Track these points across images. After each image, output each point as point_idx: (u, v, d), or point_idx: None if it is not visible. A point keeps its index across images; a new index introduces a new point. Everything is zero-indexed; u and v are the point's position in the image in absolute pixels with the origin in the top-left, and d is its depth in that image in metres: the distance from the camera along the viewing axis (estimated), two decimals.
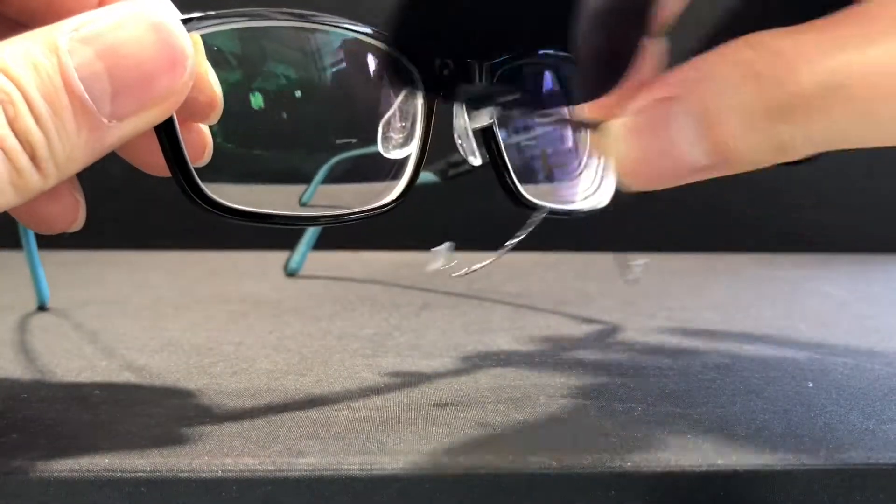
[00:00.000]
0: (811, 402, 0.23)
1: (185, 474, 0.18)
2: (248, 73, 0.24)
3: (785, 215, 0.65)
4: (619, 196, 0.30)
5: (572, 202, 0.30)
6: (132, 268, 0.50)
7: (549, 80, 0.20)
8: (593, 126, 0.20)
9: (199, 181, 0.21)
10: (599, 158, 0.29)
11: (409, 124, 0.25)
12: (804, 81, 0.16)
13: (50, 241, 0.30)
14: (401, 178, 0.24)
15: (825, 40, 0.16)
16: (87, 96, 0.17)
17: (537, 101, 0.20)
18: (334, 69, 0.25)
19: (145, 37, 0.17)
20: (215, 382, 0.24)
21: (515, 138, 0.27)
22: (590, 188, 0.31)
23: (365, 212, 0.24)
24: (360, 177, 0.26)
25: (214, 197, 0.21)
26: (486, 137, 0.25)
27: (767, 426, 0.21)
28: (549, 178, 0.30)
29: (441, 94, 0.20)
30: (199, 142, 0.23)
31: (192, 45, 0.18)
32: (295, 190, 0.26)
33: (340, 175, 0.26)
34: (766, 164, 0.18)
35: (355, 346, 0.29)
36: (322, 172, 0.26)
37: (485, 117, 0.23)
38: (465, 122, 0.25)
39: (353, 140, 0.26)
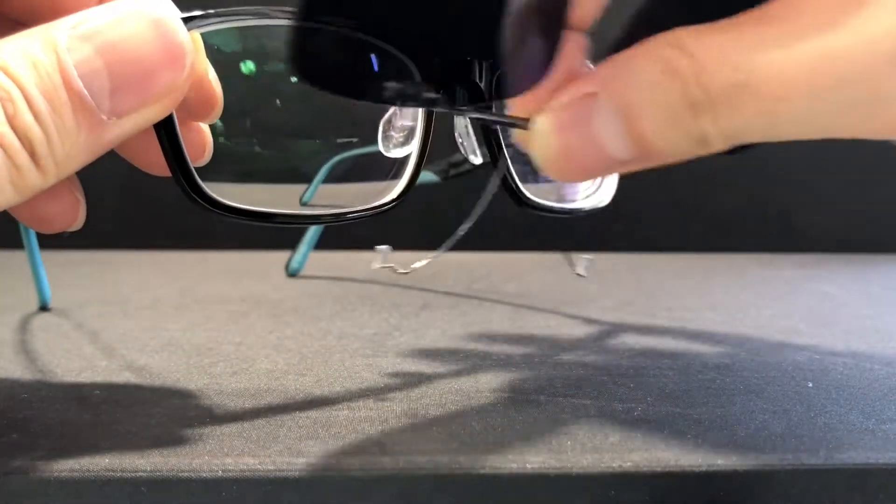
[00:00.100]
0: (811, 402, 0.23)
1: (186, 474, 0.18)
2: (249, 71, 0.24)
3: (785, 215, 0.65)
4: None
5: (573, 201, 0.30)
6: (132, 268, 0.50)
7: (475, 77, 0.20)
8: (520, 122, 0.20)
9: (199, 180, 0.21)
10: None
11: (409, 123, 0.25)
12: (713, 80, 0.16)
13: (50, 241, 0.30)
14: (401, 177, 0.24)
15: (735, 40, 0.16)
16: (86, 93, 0.17)
17: (465, 99, 0.20)
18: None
19: (145, 33, 0.17)
20: (215, 382, 0.24)
21: (509, 139, 0.27)
22: (591, 186, 0.31)
23: (367, 210, 0.24)
24: (360, 176, 0.26)
25: (215, 196, 0.21)
26: (486, 136, 0.25)
27: (767, 426, 0.21)
28: (553, 182, 0.30)
29: (369, 95, 0.19)
30: (199, 141, 0.23)
31: (191, 41, 0.18)
32: (295, 189, 0.26)
33: (341, 174, 0.26)
34: (688, 157, 0.18)
35: (355, 346, 0.29)
36: (323, 172, 0.26)
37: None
38: (465, 121, 0.25)
39: (354, 139, 0.26)
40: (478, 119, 0.21)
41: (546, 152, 0.19)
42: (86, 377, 0.24)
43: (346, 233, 0.28)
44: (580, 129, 0.18)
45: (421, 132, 0.24)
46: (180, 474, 0.18)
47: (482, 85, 0.20)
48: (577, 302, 0.39)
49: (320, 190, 0.26)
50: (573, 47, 0.19)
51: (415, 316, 0.35)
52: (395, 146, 0.25)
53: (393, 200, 0.24)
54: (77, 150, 0.17)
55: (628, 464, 0.18)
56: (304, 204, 0.26)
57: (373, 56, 0.19)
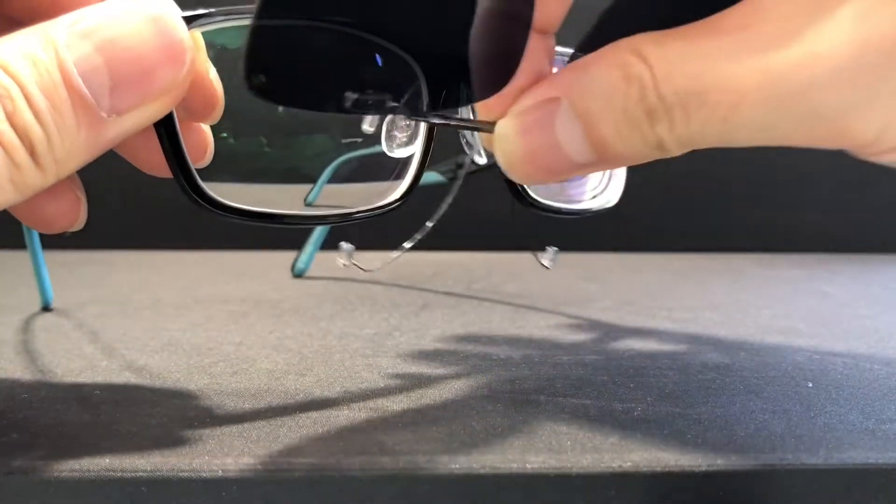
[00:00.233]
0: (811, 402, 0.23)
1: (186, 474, 0.18)
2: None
3: (785, 215, 0.65)
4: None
5: (580, 201, 0.30)
6: (133, 268, 0.50)
7: (439, 82, 0.20)
8: (484, 126, 0.20)
9: (200, 180, 0.20)
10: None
11: (413, 123, 0.25)
12: (670, 88, 0.17)
13: (51, 242, 0.30)
14: (405, 176, 0.24)
15: (691, 49, 0.17)
16: (86, 90, 0.17)
17: (429, 104, 0.21)
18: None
19: (144, 30, 0.17)
20: (215, 382, 0.24)
21: None
22: (598, 187, 0.31)
23: (372, 210, 0.24)
24: (365, 176, 0.26)
25: (216, 196, 0.21)
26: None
27: (767, 426, 0.21)
28: (560, 182, 0.30)
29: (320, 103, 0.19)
30: (200, 142, 0.23)
31: (190, 38, 0.18)
32: (298, 190, 0.26)
33: (345, 175, 0.26)
34: (647, 160, 0.19)
35: (355, 346, 0.29)
36: (328, 172, 0.26)
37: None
38: (481, 136, 0.25)
39: (358, 139, 0.26)
40: (443, 124, 0.21)
41: (510, 156, 0.19)
42: (86, 377, 0.24)
43: (346, 233, 0.28)
44: (543, 133, 0.19)
45: (424, 132, 0.24)
46: (180, 474, 0.18)
47: (446, 89, 0.20)
48: (577, 302, 0.39)
49: (325, 190, 0.26)
50: (538, 50, 0.20)
51: (415, 316, 0.35)
52: (399, 146, 0.25)
53: (397, 200, 0.24)
54: (77, 148, 0.17)
55: (628, 464, 0.18)
56: (308, 204, 0.26)
57: (334, 63, 0.19)
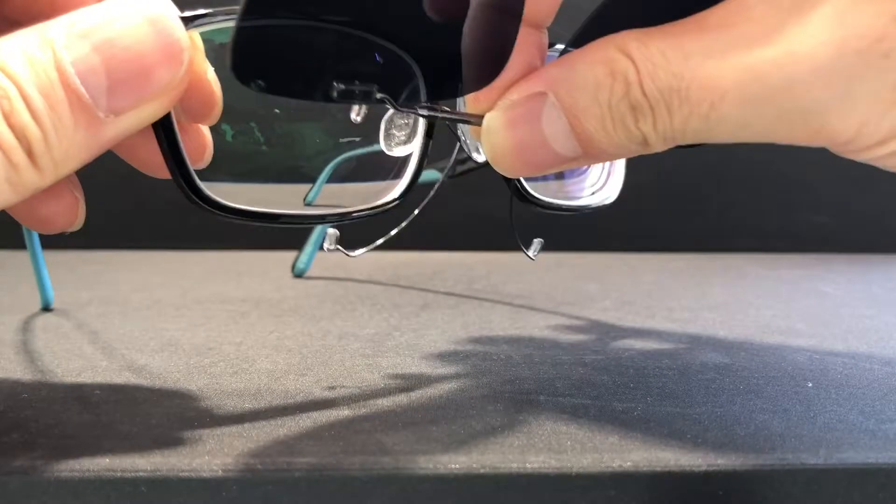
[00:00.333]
0: (810, 402, 0.23)
1: (186, 474, 0.18)
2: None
3: (785, 215, 0.65)
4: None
5: (579, 198, 0.30)
6: (132, 268, 0.50)
7: (428, 74, 0.20)
8: (472, 119, 0.20)
9: (198, 181, 0.20)
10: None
11: (411, 121, 0.25)
12: (654, 84, 0.17)
13: (51, 242, 0.30)
14: (404, 174, 0.24)
15: (676, 47, 0.17)
16: (83, 90, 0.17)
17: (419, 96, 0.21)
18: None
19: (141, 30, 0.17)
20: (215, 382, 0.24)
21: None
22: (596, 183, 0.31)
23: (372, 209, 0.24)
24: (364, 176, 0.26)
25: (214, 196, 0.21)
26: None
27: (767, 426, 0.21)
28: (557, 173, 0.30)
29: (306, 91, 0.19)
30: (199, 143, 0.23)
31: (188, 38, 0.18)
32: (297, 189, 0.26)
33: (345, 174, 0.26)
34: (633, 155, 0.19)
35: (355, 346, 0.29)
36: (327, 172, 0.26)
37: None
38: (469, 128, 0.25)
39: (357, 138, 0.26)
40: (431, 116, 0.22)
41: (496, 149, 0.20)
42: (86, 377, 0.24)
43: (346, 233, 0.28)
44: (529, 127, 0.19)
45: (423, 130, 0.24)
46: (180, 474, 0.18)
47: (436, 81, 0.20)
48: (577, 302, 0.39)
49: (324, 190, 0.26)
50: (529, 44, 0.20)
51: (415, 316, 0.35)
52: (398, 144, 0.25)
53: (395, 199, 0.24)
54: (75, 148, 0.17)
55: (628, 464, 0.18)
56: (308, 204, 0.26)
57: (324, 52, 0.19)
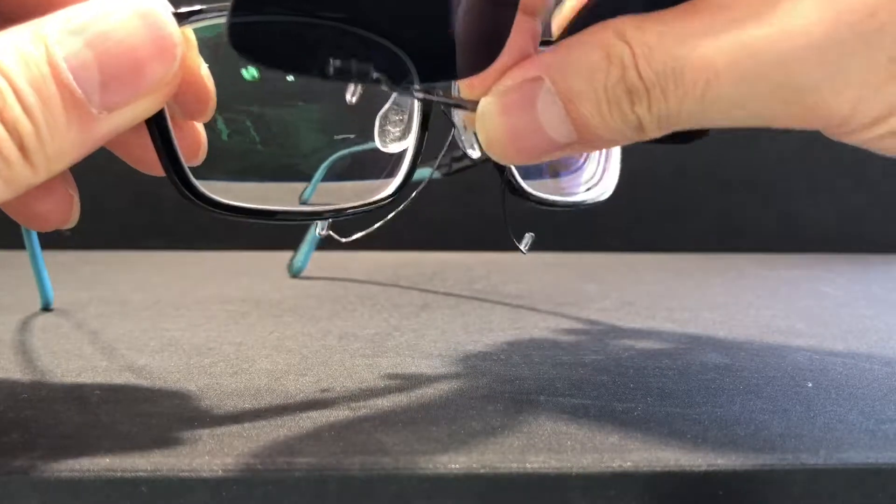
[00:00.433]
0: (810, 402, 0.23)
1: (186, 474, 0.18)
2: (244, 68, 0.24)
3: (785, 215, 0.65)
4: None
5: (574, 194, 0.30)
6: (132, 268, 0.50)
7: (423, 57, 0.20)
8: (467, 104, 0.20)
9: (192, 177, 0.20)
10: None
11: (405, 117, 0.25)
12: (649, 67, 0.17)
13: (51, 242, 0.30)
14: (399, 171, 0.24)
15: (671, 30, 0.17)
16: (76, 86, 0.17)
17: (413, 79, 0.21)
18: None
19: (134, 26, 0.17)
20: (215, 382, 0.24)
21: None
22: (592, 179, 0.31)
23: (366, 205, 0.24)
24: (360, 173, 0.26)
25: (208, 193, 0.21)
26: None
27: (767, 426, 0.21)
28: (552, 169, 0.30)
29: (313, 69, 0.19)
30: (194, 140, 0.23)
31: (181, 34, 0.18)
32: (292, 187, 0.26)
33: (340, 172, 0.26)
34: (628, 142, 0.19)
35: (355, 347, 0.29)
36: (322, 169, 0.26)
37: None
38: (462, 114, 0.25)
39: (352, 135, 0.26)
40: (425, 99, 0.21)
41: (491, 134, 0.20)
42: (86, 377, 0.24)
43: (346, 233, 0.28)
44: (524, 113, 0.19)
45: (417, 127, 0.24)
46: (180, 474, 0.18)
47: (430, 65, 0.20)
48: (577, 302, 0.39)
49: (320, 188, 0.26)
50: (524, 31, 0.20)
51: (415, 316, 0.35)
52: (392, 141, 0.25)
53: (390, 195, 0.24)
54: (68, 144, 0.17)
55: (628, 464, 0.18)
56: (304, 202, 0.26)
57: (320, 32, 0.19)
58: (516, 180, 0.26)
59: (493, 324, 0.34)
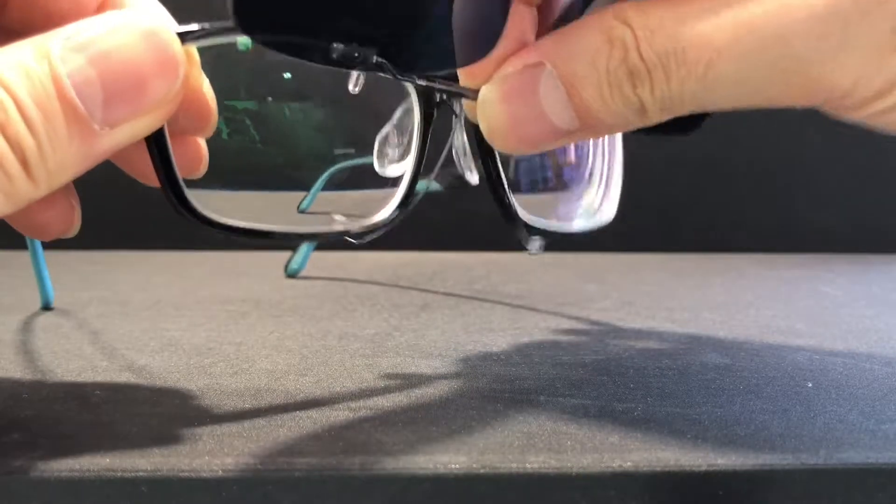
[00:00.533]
0: (810, 402, 0.23)
1: (186, 474, 0.18)
2: (245, 85, 0.24)
3: (785, 215, 0.65)
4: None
5: (571, 220, 0.30)
6: (132, 268, 0.50)
7: (422, 45, 0.20)
8: (468, 92, 0.20)
9: (189, 195, 0.21)
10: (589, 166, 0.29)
11: (405, 140, 0.25)
12: (651, 49, 0.17)
13: (51, 242, 0.30)
14: (400, 183, 0.24)
15: (672, 12, 0.17)
16: (79, 102, 0.17)
17: (413, 66, 0.21)
18: (330, 81, 0.25)
19: (137, 44, 0.17)
20: (215, 382, 0.24)
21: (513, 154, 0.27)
22: (591, 206, 0.31)
23: (367, 228, 0.24)
24: (359, 184, 0.26)
25: (204, 212, 0.21)
26: (483, 155, 0.25)
27: (767, 426, 0.21)
28: (552, 198, 0.30)
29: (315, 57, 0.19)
30: (195, 154, 0.23)
31: (183, 53, 0.18)
32: (290, 197, 0.26)
33: (339, 182, 0.26)
34: (631, 128, 0.19)
35: (355, 347, 0.29)
36: (321, 181, 0.26)
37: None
38: (464, 139, 0.26)
39: (352, 150, 0.26)
40: (426, 86, 0.21)
41: (492, 122, 0.19)
42: (86, 377, 0.24)
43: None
44: (526, 99, 0.19)
45: (416, 149, 0.24)
46: (180, 474, 0.18)
47: (430, 53, 0.20)
48: (577, 302, 0.39)
49: (319, 198, 0.26)
50: (522, 20, 0.20)
51: (415, 316, 0.35)
52: (391, 163, 0.25)
53: (390, 217, 0.24)
54: (69, 160, 0.17)
55: (628, 464, 0.18)
56: (301, 211, 0.26)
57: (321, 18, 0.19)
58: (512, 207, 0.26)
59: (493, 324, 0.34)
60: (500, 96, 0.19)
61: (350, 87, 0.23)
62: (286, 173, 0.26)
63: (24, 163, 0.16)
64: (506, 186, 0.25)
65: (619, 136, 0.31)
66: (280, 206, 0.26)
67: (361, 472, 0.18)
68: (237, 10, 0.18)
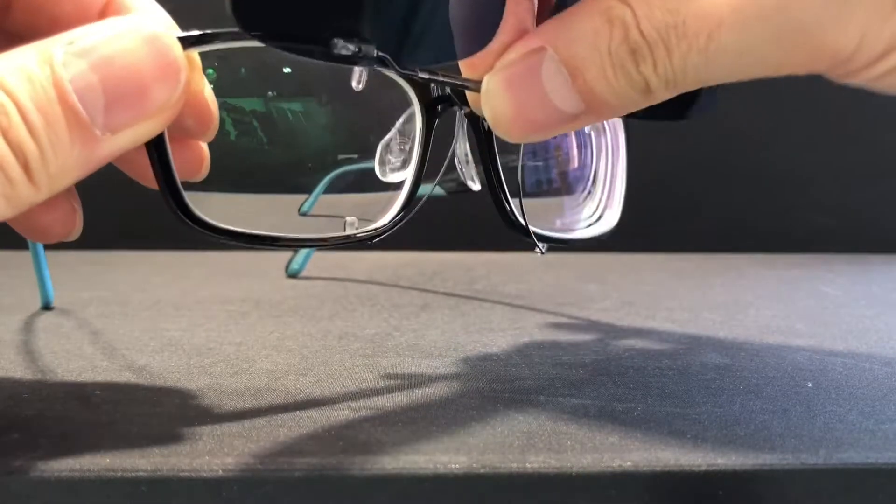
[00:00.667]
0: (810, 402, 0.23)
1: (186, 474, 0.18)
2: (247, 90, 0.24)
3: (785, 215, 0.65)
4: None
5: (574, 228, 0.30)
6: (132, 268, 0.50)
7: (421, 39, 0.20)
8: (470, 84, 0.20)
9: (188, 201, 0.21)
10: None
11: (407, 147, 0.25)
12: (651, 24, 0.17)
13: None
14: (402, 187, 0.24)
15: None
16: (80, 108, 0.17)
17: (413, 60, 0.21)
18: (334, 86, 0.25)
19: (139, 50, 0.18)
20: (216, 382, 0.24)
21: (516, 161, 0.27)
22: (593, 216, 0.31)
23: (369, 233, 0.24)
24: (361, 186, 0.26)
25: (203, 217, 0.21)
26: (485, 164, 0.25)
27: (767, 426, 0.21)
28: (555, 206, 0.30)
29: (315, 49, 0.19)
30: (197, 157, 0.23)
31: (185, 59, 0.18)
32: (292, 199, 0.26)
33: (340, 185, 0.26)
34: (636, 107, 0.19)
35: (356, 347, 0.29)
36: (323, 184, 0.26)
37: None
38: (466, 148, 0.26)
39: (354, 155, 0.26)
40: (427, 86, 0.21)
41: (497, 110, 0.19)
42: (86, 377, 0.24)
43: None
44: (529, 85, 0.19)
45: (418, 156, 0.24)
46: (180, 474, 0.18)
47: (431, 46, 0.20)
48: (577, 302, 0.39)
49: (320, 200, 0.26)
50: (519, 9, 0.20)
51: (415, 316, 0.35)
52: (392, 170, 0.25)
53: (392, 221, 0.24)
54: (71, 164, 0.17)
55: (628, 464, 0.18)
56: (303, 214, 0.26)
57: (321, 14, 0.19)
58: (515, 216, 0.26)
59: (493, 324, 0.34)
60: (504, 84, 0.19)
61: (353, 84, 0.23)
62: (288, 176, 0.26)
63: (26, 167, 0.17)
64: (507, 195, 0.25)
65: (622, 145, 0.31)
66: (281, 209, 0.26)
67: (361, 472, 0.18)
68: (237, 8, 0.18)
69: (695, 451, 0.19)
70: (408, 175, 0.24)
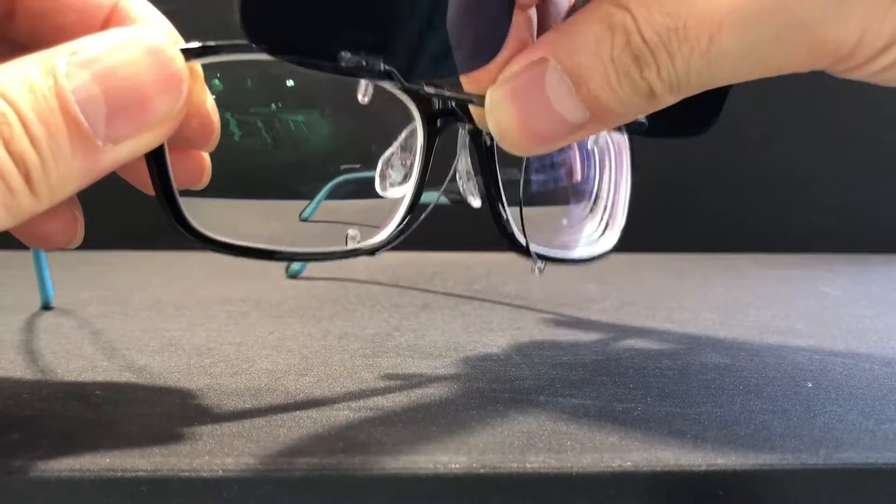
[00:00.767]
0: (810, 402, 0.23)
1: (186, 474, 0.18)
2: (248, 102, 0.24)
3: (785, 215, 0.65)
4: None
5: (573, 248, 0.30)
6: (133, 268, 0.50)
7: (427, 54, 0.20)
8: (475, 99, 0.20)
9: (186, 213, 0.21)
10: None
11: (408, 162, 0.25)
12: (652, 29, 0.17)
13: None
14: (401, 204, 0.24)
15: None
16: (82, 119, 0.17)
17: (419, 73, 0.21)
18: (334, 99, 0.25)
19: (142, 61, 0.18)
20: (216, 382, 0.24)
21: (518, 177, 0.27)
22: (594, 234, 0.31)
23: (369, 248, 0.24)
24: (362, 195, 0.26)
25: (200, 229, 0.21)
26: (486, 181, 0.25)
27: (767, 426, 0.21)
28: (555, 225, 0.30)
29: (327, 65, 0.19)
30: (198, 166, 0.23)
31: (187, 70, 0.18)
32: (293, 205, 0.26)
33: (342, 192, 0.26)
34: (641, 114, 0.19)
35: (356, 347, 0.29)
36: (324, 192, 0.26)
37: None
38: (468, 165, 0.26)
39: (357, 165, 0.26)
40: (434, 95, 0.21)
41: (503, 123, 0.19)
42: (86, 377, 0.24)
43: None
44: (533, 96, 0.19)
45: (418, 172, 0.24)
46: (180, 474, 0.18)
47: (436, 60, 0.20)
48: (577, 302, 0.39)
49: (322, 206, 0.26)
50: (520, 23, 0.20)
51: (415, 316, 0.35)
52: (392, 185, 0.25)
53: (393, 234, 0.24)
54: (72, 175, 0.17)
55: (628, 464, 0.18)
56: (303, 219, 0.26)
57: (329, 27, 0.19)
58: (515, 234, 0.26)
59: (493, 324, 0.34)
60: (508, 96, 0.19)
61: (359, 97, 0.24)
62: (289, 184, 0.26)
63: (28, 177, 0.17)
64: (508, 213, 0.25)
65: (626, 164, 0.31)
66: (281, 217, 0.26)
67: (361, 472, 0.18)
68: (245, 20, 0.18)
69: (695, 451, 0.19)
70: (407, 190, 0.24)
